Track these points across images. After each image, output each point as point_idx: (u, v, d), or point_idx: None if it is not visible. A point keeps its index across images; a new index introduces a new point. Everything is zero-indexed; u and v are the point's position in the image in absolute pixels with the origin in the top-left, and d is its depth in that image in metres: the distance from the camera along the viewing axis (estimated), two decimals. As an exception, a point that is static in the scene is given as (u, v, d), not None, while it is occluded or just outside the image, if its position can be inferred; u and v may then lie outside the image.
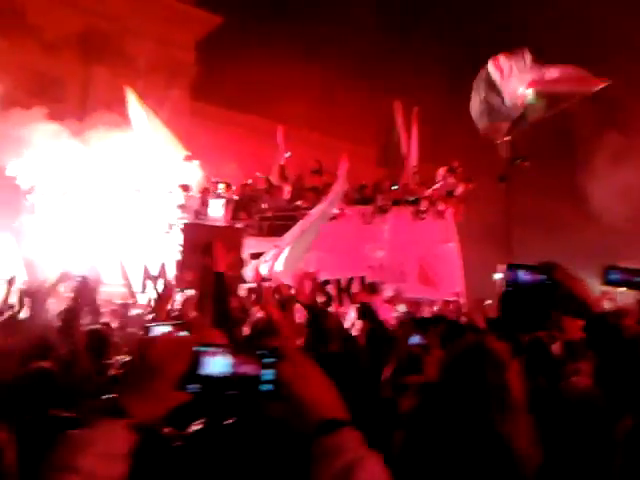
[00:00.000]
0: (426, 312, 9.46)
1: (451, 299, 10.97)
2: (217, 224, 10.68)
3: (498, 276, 13.01)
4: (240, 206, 12.42)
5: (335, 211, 12.25)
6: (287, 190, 13.31)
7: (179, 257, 7.67)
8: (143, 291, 8.17)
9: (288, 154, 14.30)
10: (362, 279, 11.51)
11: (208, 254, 3.68)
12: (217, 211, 12.01)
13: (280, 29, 19.26)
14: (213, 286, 3.24)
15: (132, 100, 13.51)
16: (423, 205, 12.96)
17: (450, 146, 15.05)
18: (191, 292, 5.00)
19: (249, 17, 20.84)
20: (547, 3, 19.70)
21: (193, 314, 3.85)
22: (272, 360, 1.11)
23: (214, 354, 1.13)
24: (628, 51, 17.06)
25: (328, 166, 13.74)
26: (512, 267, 1.90)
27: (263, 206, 12.67)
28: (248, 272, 9.47)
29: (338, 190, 11.81)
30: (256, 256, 11.21)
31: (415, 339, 3.89)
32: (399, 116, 14.68)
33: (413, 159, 14.36)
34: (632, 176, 13.46)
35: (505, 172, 14.48)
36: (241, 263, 3.44)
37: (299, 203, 12.73)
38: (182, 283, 4.29)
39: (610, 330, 1.77)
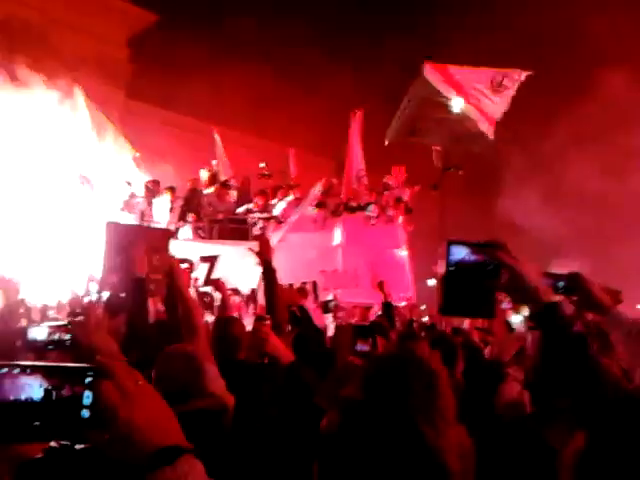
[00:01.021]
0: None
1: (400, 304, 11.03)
2: (142, 224, 10.21)
3: (432, 282, 13.40)
4: (188, 208, 12.11)
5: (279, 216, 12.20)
6: (233, 195, 13.03)
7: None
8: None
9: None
10: (314, 284, 11.47)
11: (127, 257, 3.43)
12: (163, 213, 11.63)
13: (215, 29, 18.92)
14: (131, 291, 3.02)
15: (78, 94, 12.81)
16: (374, 211, 13.05)
17: (386, 154, 15.15)
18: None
19: (184, 15, 20.33)
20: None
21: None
22: (91, 379, 0.88)
23: (16, 377, 0.87)
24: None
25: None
26: (453, 244, 1.67)
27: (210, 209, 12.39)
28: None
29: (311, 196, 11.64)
30: (207, 259, 10.93)
31: (363, 347, 3.77)
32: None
33: (358, 163, 14.47)
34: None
35: (438, 181, 14.83)
36: (168, 265, 3.23)
37: (250, 206, 12.52)
38: (106, 285, 4.00)
39: (560, 322, 1.56)
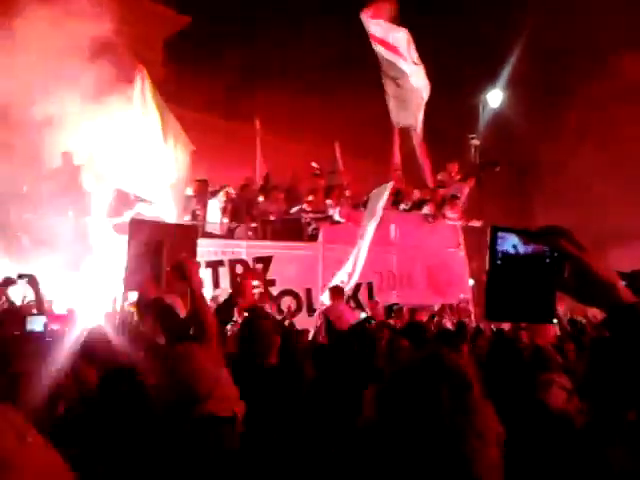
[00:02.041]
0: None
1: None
2: (168, 222, 10.03)
3: (471, 282, 12.94)
4: (241, 209, 12.06)
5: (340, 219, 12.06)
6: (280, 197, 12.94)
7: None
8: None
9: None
10: (370, 285, 11.32)
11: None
12: (216, 213, 11.71)
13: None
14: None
15: (146, 83, 12.90)
16: (430, 209, 12.79)
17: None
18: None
19: (218, 17, 20.26)
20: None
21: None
22: None
23: None
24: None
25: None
26: (499, 231, 1.31)
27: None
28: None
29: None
30: (259, 260, 10.94)
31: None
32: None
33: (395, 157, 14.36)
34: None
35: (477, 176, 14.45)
36: (179, 265, 3.16)
37: (304, 206, 12.41)
38: (130, 285, 3.94)
39: None
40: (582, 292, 1.28)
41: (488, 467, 1.35)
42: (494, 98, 17.78)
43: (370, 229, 10.78)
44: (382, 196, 11.08)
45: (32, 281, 4.99)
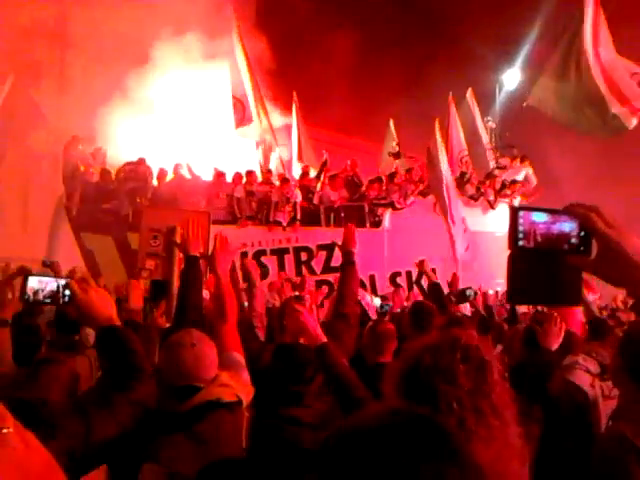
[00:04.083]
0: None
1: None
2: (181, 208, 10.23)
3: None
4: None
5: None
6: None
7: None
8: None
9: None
10: (433, 271, 11.17)
11: (175, 237, 3.44)
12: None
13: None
14: (185, 272, 3.00)
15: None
16: (490, 194, 12.62)
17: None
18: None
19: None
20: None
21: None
22: None
23: None
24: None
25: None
26: (521, 210, 1.23)
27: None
28: None
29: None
30: (323, 247, 11.08)
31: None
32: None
33: (460, 144, 14.16)
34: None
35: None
36: (206, 250, 3.29)
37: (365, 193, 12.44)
38: (143, 272, 4.13)
39: None
40: (610, 273, 1.16)
41: (506, 445, 1.37)
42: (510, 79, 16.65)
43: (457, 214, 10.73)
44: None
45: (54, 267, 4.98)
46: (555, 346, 2.97)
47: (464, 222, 11.29)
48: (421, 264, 6.13)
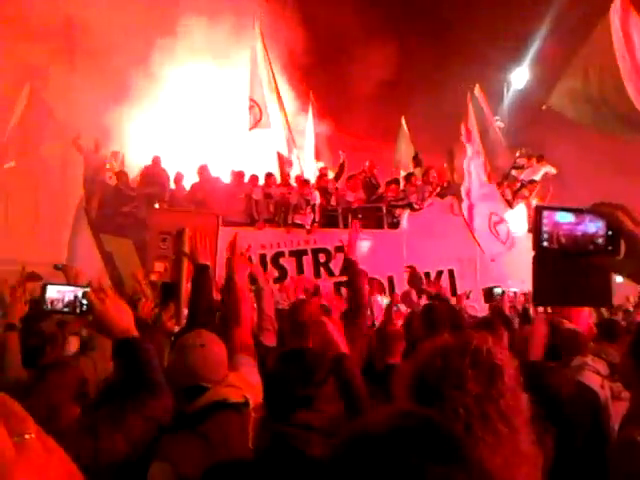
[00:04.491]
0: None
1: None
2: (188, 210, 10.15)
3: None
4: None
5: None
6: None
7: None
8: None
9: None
10: (451, 272, 11.11)
11: (182, 244, 3.44)
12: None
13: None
14: (195, 279, 2.99)
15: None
16: (507, 194, 12.54)
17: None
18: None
19: None
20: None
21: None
22: None
23: None
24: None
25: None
26: (545, 210, 1.19)
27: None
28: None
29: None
30: (340, 249, 11.03)
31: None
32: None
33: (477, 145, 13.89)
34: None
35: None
36: (214, 253, 3.28)
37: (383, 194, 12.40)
38: (152, 274, 4.12)
39: None
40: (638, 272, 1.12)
41: (515, 452, 1.30)
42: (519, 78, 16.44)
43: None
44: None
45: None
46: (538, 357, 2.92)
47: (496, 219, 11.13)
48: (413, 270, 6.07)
